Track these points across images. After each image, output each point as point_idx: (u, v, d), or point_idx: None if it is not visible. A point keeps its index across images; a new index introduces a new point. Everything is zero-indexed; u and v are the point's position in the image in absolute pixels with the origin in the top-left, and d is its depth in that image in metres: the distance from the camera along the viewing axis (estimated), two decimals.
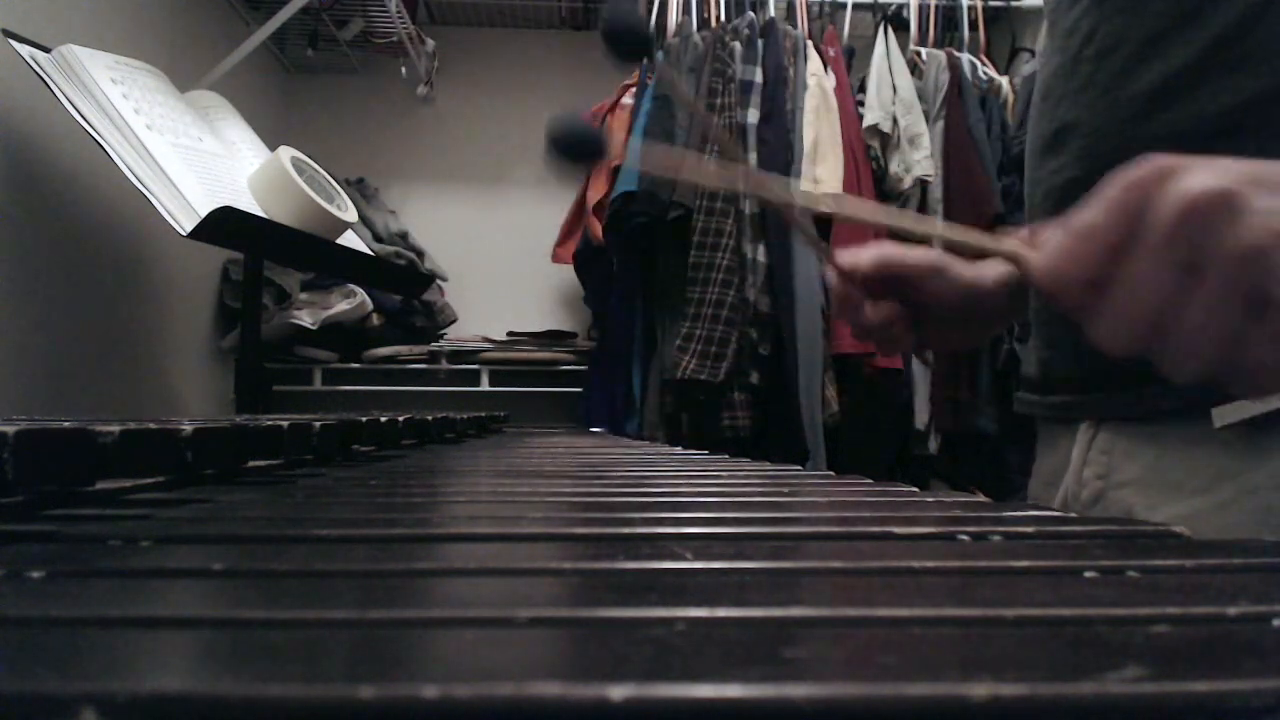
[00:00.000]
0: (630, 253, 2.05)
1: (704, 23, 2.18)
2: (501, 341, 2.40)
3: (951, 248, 0.51)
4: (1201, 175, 0.33)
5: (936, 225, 0.47)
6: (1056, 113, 0.60)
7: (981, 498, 0.40)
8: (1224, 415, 0.51)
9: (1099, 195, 0.36)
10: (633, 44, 0.50)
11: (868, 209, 0.47)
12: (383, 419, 0.68)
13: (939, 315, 0.68)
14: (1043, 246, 0.37)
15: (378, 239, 2.32)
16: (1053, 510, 0.36)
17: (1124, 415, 0.57)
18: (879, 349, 0.69)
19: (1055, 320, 0.62)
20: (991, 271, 0.71)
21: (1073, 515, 0.36)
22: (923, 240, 0.49)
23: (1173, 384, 0.52)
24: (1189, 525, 0.50)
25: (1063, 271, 0.36)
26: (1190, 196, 0.33)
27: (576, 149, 0.48)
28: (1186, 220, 0.33)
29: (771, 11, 2.16)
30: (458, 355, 2.36)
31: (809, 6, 2.19)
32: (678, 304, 1.96)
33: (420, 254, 2.44)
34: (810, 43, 2.09)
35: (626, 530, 0.30)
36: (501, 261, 2.63)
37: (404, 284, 2.04)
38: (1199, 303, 0.33)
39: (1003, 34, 2.41)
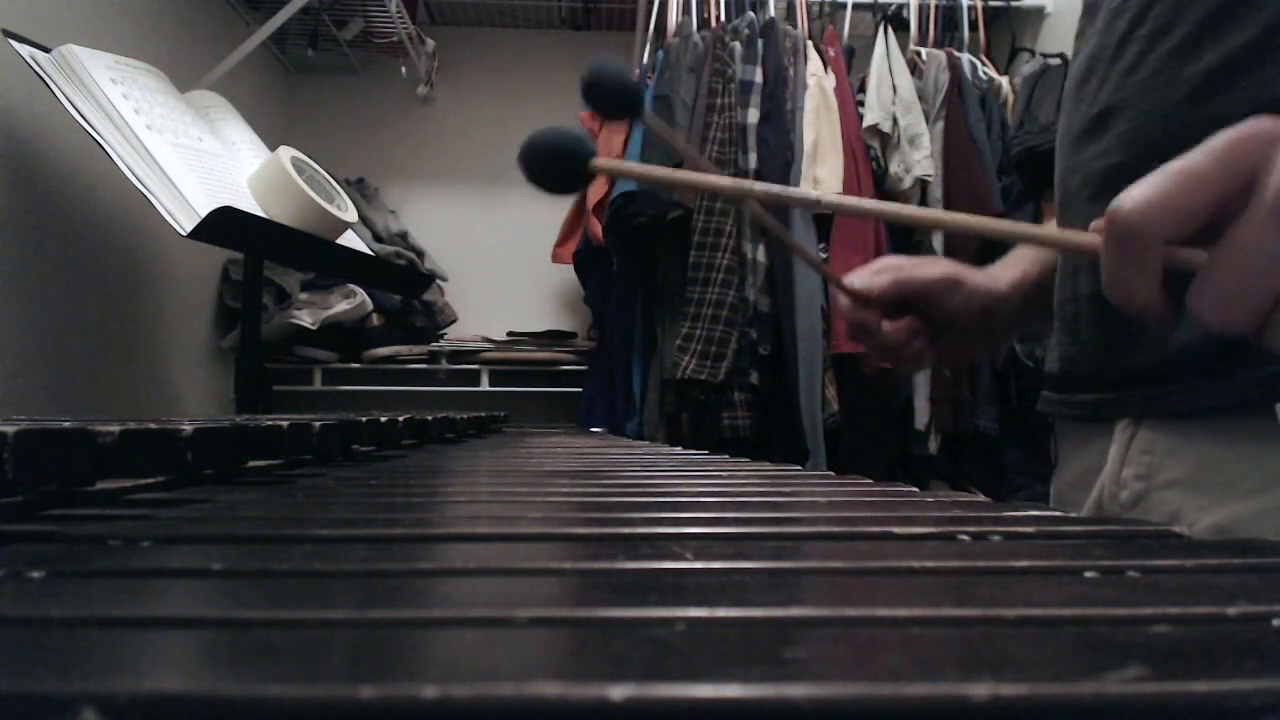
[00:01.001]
0: (630, 253, 2.05)
1: (704, 23, 2.18)
2: (501, 341, 2.41)
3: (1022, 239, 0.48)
4: None
5: (1018, 226, 0.44)
6: (1099, 96, 0.57)
7: (981, 498, 0.40)
8: None
9: (1202, 147, 0.33)
10: (619, 103, 0.47)
11: (964, 219, 0.44)
12: (383, 419, 0.68)
13: (958, 327, 0.67)
14: (1133, 195, 0.33)
15: (378, 239, 2.32)
16: (1053, 510, 0.36)
17: (1171, 412, 0.54)
18: (900, 368, 0.67)
19: (1082, 314, 0.59)
20: (1005, 275, 0.69)
21: (1073, 515, 0.36)
22: (1004, 238, 0.45)
23: (1231, 378, 0.49)
24: (1244, 528, 0.48)
25: (1160, 214, 0.33)
26: None
27: (559, 169, 0.44)
28: None
29: (771, 11, 2.16)
30: (458, 355, 2.36)
31: (809, 6, 2.19)
32: (678, 304, 1.96)
33: (420, 254, 2.44)
34: (810, 43, 2.10)
35: (626, 530, 0.30)
36: (501, 261, 2.63)
37: (404, 284, 2.04)
38: None
39: (1003, 34, 2.41)
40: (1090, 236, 0.35)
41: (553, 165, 0.43)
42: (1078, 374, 0.62)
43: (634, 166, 0.43)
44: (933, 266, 0.68)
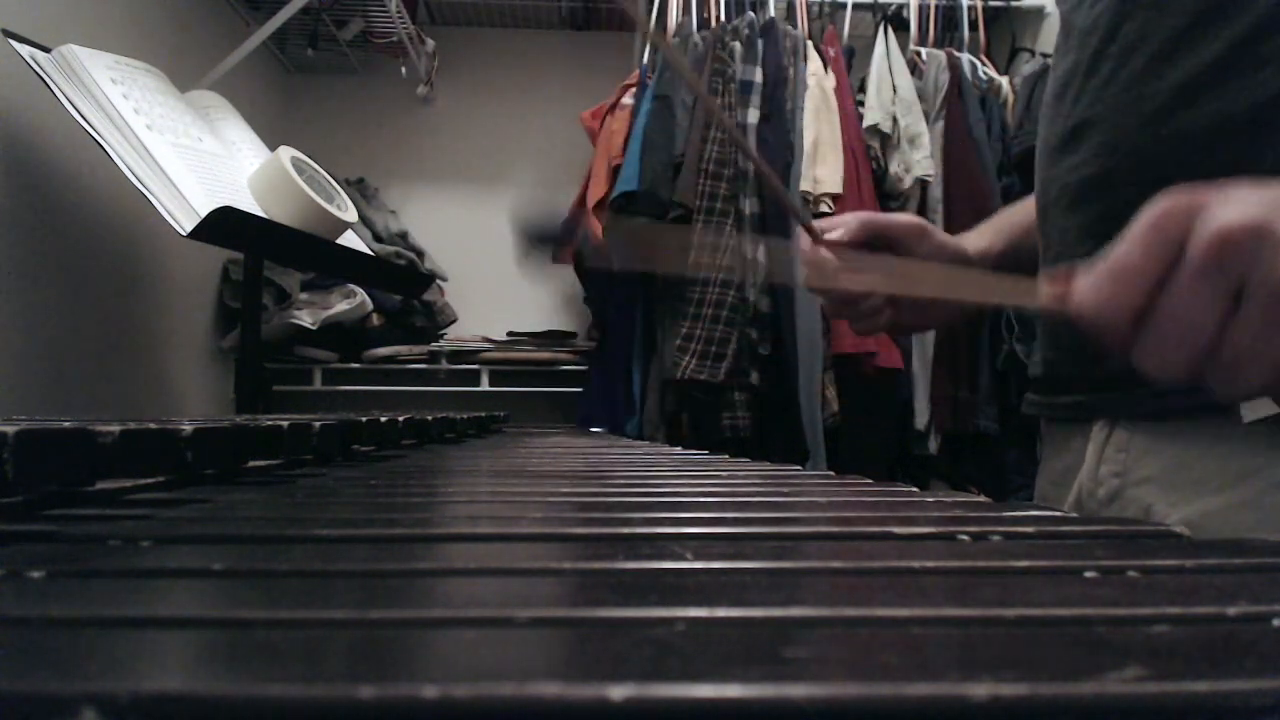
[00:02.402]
0: None
1: (704, 23, 2.18)
2: (501, 341, 2.40)
3: (987, 294, 0.52)
4: (1231, 207, 0.35)
5: (971, 276, 0.48)
6: (1074, 110, 0.60)
7: (981, 498, 0.40)
8: (1253, 411, 0.51)
9: (1130, 233, 0.37)
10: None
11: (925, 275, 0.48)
12: (383, 419, 0.68)
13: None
14: (1080, 290, 0.38)
15: (378, 239, 2.32)
16: (1053, 510, 0.36)
17: (1144, 414, 0.57)
18: (854, 324, 0.70)
19: (1059, 323, 0.62)
20: (973, 242, 0.72)
21: (1073, 515, 0.36)
22: (958, 289, 0.50)
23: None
24: (1211, 522, 0.51)
25: (1106, 312, 0.37)
26: (1225, 229, 0.34)
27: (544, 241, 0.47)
28: (1222, 252, 0.34)
29: (771, 11, 2.16)
30: (458, 355, 2.36)
31: (809, 6, 2.19)
32: (678, 304, 1.96)
33: (420, 254, 2.44)
34: (810, 43, 2.09)
35: (626, 530, 0.30)
36: (501, 261, 2.63)
37: (404, 284, 2.04)
38: (1243, 329, 0.34)
39: (1003, 34, 2.41)
40: (1050, 305, 0.40)
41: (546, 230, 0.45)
42: (1059, 377, 0.64)
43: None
44: (905, 216, 0.71)
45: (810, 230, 0.67)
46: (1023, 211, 0.72)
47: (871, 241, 0.67)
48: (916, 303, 0.70)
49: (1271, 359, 0.34)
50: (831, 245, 0.66)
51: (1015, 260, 0.70)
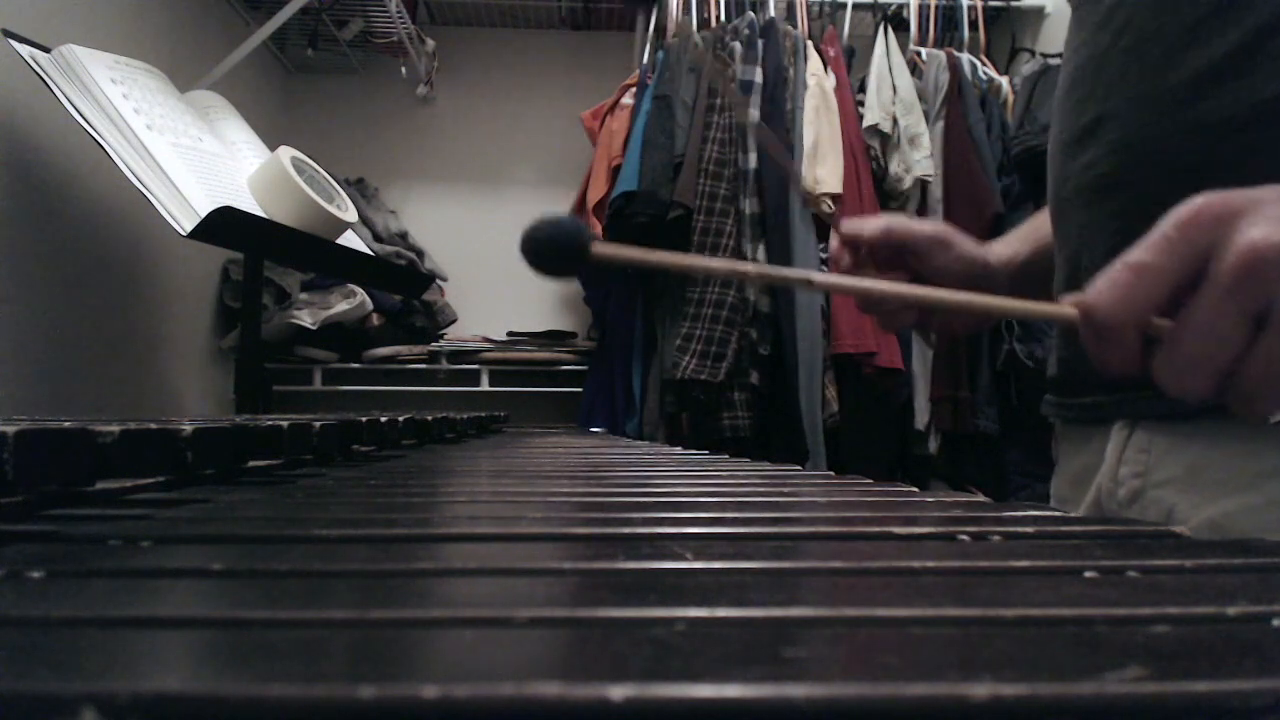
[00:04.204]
0: None
1: (704, 23, 2.18)
2: (501, 341, 2.41)
3: (1007, 313, 0.51)
4: (1263, 223, 0.34)
5: (992, 300, 0.48)
6: (1088, 105, 0.59)
7: (981, 498, 0.40)
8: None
9: (1154, 234, 0.36)
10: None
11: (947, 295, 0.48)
12: (383, 419, 0.68)
13: (943, 278, 0.69)
14: (1096, 288, 0.37)
15: (378, 239, 2.32)
16: (1053, 510, 0.36)
17: (1165, 414, 0.56)
18: (880, 322, 0.69)
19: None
20: (998, 251, 0.71)
21: (1073, 515, 0.36)
22: (977, 311, 0.49)
23: None
24: (1235, 523, 0.50)
25: (1120, 309, 0.36)
26: (1258, 248, 0.33)
27: (557, 255, 0.45)
28: (1253, 272, 0.33)
29: (771, 11, 2.16)
30: (458, 355, 2.36)
31: (809, 6, 2.19)
32: (678, 304, 1.96)
33: (420, 254, 2.44)
34: (810, 43, 2.09)
35: (626, 530, 0.30)
36: (501, 261, 2.62)
37: (404, 284, 2.04)
38: (1268, 350, 0.33)
39: (1003, 34, 2.41)
40: (1068, 311, 0.39)
41: (552, 255, 0.44)
42: (1076, 377, 0.63)
43: (633, 253, 0.43)
44: (929, 225, 0.70)
45: (838, 229, 0.67)
46: (1049, 220, 0.72)
47: (892, 248, 0.67)
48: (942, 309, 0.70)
49: None
50: (856, 240, 0.66)
51: (1042, 268, 0.69)
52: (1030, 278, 0.70)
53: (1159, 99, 0.54)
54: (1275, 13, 0.50)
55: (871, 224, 0.67)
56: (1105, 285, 0.36)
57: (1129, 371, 0.37)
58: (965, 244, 0.69)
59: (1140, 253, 0.36)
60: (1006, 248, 0.72)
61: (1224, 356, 0.34)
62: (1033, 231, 0.73)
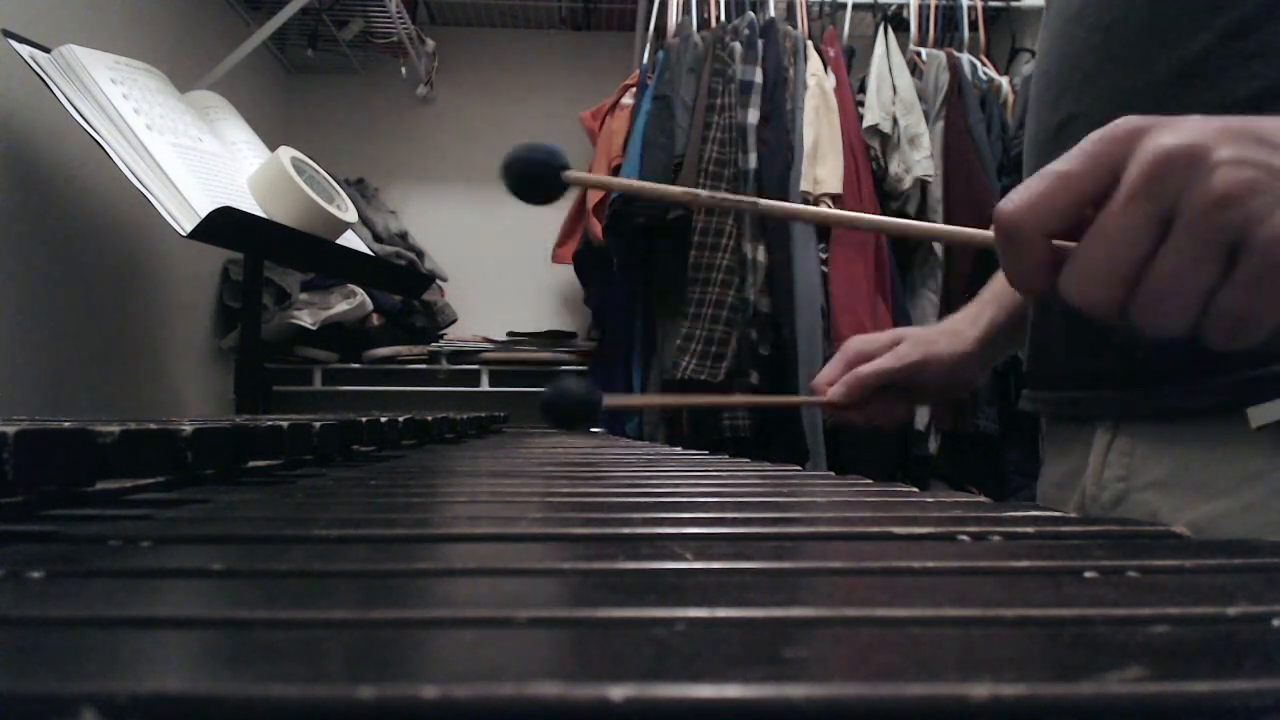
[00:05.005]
0: (630, 253, 2.05)
1: (704, 23, 2.18)
2: (501, 341, 2.40)
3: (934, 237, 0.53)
4: (1173, 131, 0.34)
5: (910, 224, 0.50)
6: (1060, 103, 0.59)
7: (981, 498, 0.40)
8: (1261, 415, 0.50)
9: (1074, 148, 0.36)
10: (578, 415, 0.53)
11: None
12: (383, 419, 0.68)
13: (930, 393, 0.75)
14: (1010, 196, 0.37)
15: (378, 239, 2.32)
16: (1053, 510, 0.36)
17: (1146, 415, 0.56)
18: (881, 430, 0.75)
19: (1052, 309, 0.61)
20: (972, 333, 0.73)
21: (1073, 515, 0.36)
22: (913, 235, 0.51)
23: (1204, 382, 0.51)
24: (1218, 526, 0.51)
25: (1034, 213, 0.36)
26: (1162, 150, 0.34)
27: (532, 181, 0.48)
28: (1157, 172, 0.34)
29: (771, 11, 2.16)
30: (458, 355, 2.36)
31: (809, 6, 2.19)
32: (678, 304, 1.96)
33: (420, 254, 2.44)
34: (810, 43, 2.09)
35: (626, 530, 0.30)
36: (501, 261, 2.63)
37: (404, 284, 2.04)
38: (1171, 253, 0.34)
39: (1003, 34, 2.41)
40: (985, 234, 0.39)
41: (527, 177, 0.46)
42: (1049, 367, 0.64)
43: (603, 179, 0.46)
44: (899, 354, 0.73)
45: (832, 407, 0.73)
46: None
47: (875, 390, 0.72)
48: (930, 396, 0.74)
49: (1195, 289, 0.34)
50: (838, 406, 0.72)
51: (1016, 325, 0.71)
52: (1010, 337, 0.73)
53: (1130, 99, 0.54)
54: (1244, 15, 0.51)
55: (851, 386, 0.71)
56: (1018, 192, 0.37)
57: (1039, 287, 0.37)
58: (939, 350, 0.72)
59: (1056, 163, 0.36)
60: (981, 315, 0.74)
61: (1130, 259, 0.34)
62: (1002, 292, 0.74)
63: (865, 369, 0.72)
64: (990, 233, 0.38)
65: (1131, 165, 0.34)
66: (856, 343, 0.74)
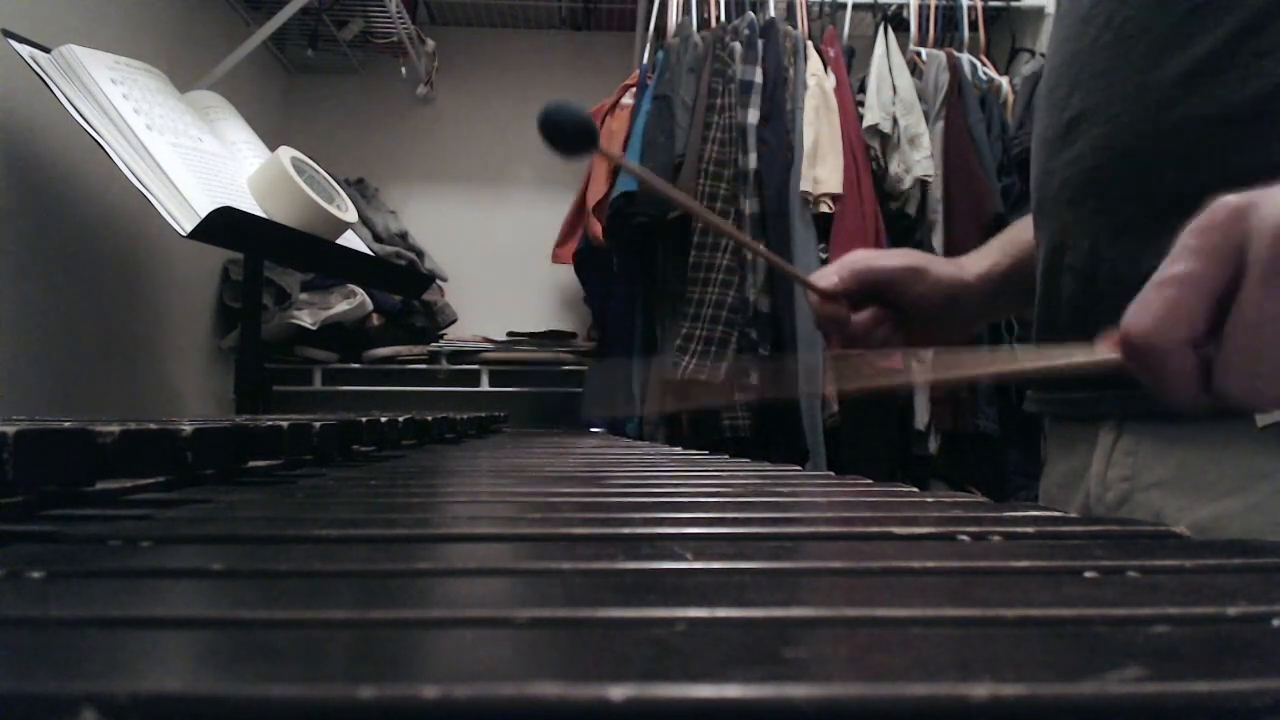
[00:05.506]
0: (630, 253, 2.05)
1: (704, 23, 2.18)
2: (501, 341, 2.40)
3: (1045, 374, 0.50)
4: (1275, 203, 0.33)
5: (1026, 357, 0.48)
6: (1071, 101, 0.58)
7: (981, 498, 0.40)
8: (1269, 415, 0.49)
9: (1176, 249, 0.34)
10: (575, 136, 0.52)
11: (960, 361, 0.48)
12: (383, 419, 0.68)
13: (923, 315, 0.71)
14: (1131, 313, 0.35)
15: (378, 239, 2.32)
16: (1053, 510, 0.36)
17: (1150, 415, 0.55)
18: (869, 352, 0.70)
19: (1060, 314, 0.60)
20: (974, 266, 0.72)
21: (1073, 515, 0.36)
22: (1015, 374, 0.49)
23: None
24: (1222, 526, 0.50)
25: (1167, 324, 0.34)
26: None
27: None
28: None
29: (771, 11, 2.16)
30: (458, 355, 2.36)
31: (809, 6, 2.19)
32: (678, 304, 1.96)
33: (420, 254, 2.44)
34: (810, 43, 2.09)
35: (626, 530, 0.30)
36: (501, 261, 2.63)
37: (404, 284, 2.04)
38: None
39: (1003, 34, 2.41)
40: (1109, 355, 0.37)
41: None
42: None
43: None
44: (897, 257, 0.71)
45: (815, 289, 0.69)
46: (1028, 228, 0.72)
47: (867, 288, 0.68)
48: (922, 325, 0.71)
49: None
50: (828, 295, 0.68)
51: (1022, 277, 0.69)
52: (1011, 288, 0.71)
53: (1141, 97, 0.54)
54: (1255, 12, 0.50)
55: (844, 274, 0.68)
56: (1138, 310, 0.35)
57: (1194, 399, 0.35)
58: (938, 267, 0.70)
59: (1167, 268, 0.34)
60: (985, 258, 0.73)
61: None
62: (1010, 242, 0.73)
63: (860, 260, 0.69)
64: (1111, 352, 0.37)
65: (1255, 246, 0.33)
66: (858, 252, 0.72)
